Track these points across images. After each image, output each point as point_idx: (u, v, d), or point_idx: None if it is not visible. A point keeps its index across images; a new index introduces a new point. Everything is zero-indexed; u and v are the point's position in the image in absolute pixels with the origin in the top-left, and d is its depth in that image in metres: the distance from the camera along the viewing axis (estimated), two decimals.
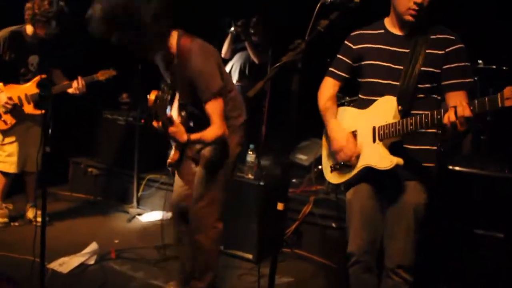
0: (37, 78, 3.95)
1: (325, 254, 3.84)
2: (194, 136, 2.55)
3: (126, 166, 4.96)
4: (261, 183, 3.66)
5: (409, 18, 2.21)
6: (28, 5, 3.78)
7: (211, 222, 2.79)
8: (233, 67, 5.31)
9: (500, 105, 1.82)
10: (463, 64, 2.22)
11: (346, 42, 2.47)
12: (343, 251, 3.63)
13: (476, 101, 1.90)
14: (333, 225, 3.81)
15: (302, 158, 5.48)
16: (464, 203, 3.42)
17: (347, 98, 4.23)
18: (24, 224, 4.19)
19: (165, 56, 2.67)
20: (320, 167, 4.89)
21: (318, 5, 1.93)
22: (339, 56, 2.50)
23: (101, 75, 4.04)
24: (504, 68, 4.09)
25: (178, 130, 2.48)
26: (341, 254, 3.68)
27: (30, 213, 4.25)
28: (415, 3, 2.16)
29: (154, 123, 2.48)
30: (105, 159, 5.24)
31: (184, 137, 2.50)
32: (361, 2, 2.07)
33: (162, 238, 3.72)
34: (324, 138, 2.62)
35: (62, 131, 4.97)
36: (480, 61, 4.12)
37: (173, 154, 2.83)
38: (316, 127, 4.45)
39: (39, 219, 4.06)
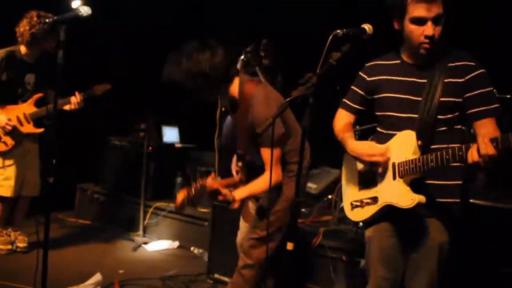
0: (35, 97, 3.96)
1: None
2: (240, 195, 2.58)
3: (133, 194, 4.92)
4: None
5: (423, 51, 2.14)
6: (17, 27, 3.80)
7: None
8: None
9: None
10: (485, 90, 2.12)
11: (360, 73, 2.39)
12: (355, 285, 3.55)
13: (499, 137, 1.80)
14: (344, 258, 3.70)
15: (312, 186, 5.39)
16: (482, 238, 3.32)
17: (357, 127, 4.16)
18: (28, 251, 4.11)
19: (230, 102, 2.72)
20: (330, 196, 4.82)
21: (330, 37, 1.87)
22: (353, 87, 2.42)
23: (97, 90, 3.98)
24: None
25: (226, 195, 2.56)
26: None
27: (13, 237, 4.16)
28: (426, 36, 2.08)
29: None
30: (112, 186, 5.21)
31: (234, 205, 2.57)
32: (374, 33, 2.03)
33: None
34: (343, 172, 2.52)
35: (69, 157, 5.01)
36: (494, 90, 4.03)
37: None
38: (326, 156, 4.42)
39: (19, 244, 4.11)
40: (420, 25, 2.07)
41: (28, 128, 3.95)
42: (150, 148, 4.84)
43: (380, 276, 2.29)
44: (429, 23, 2.06)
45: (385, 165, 2.19)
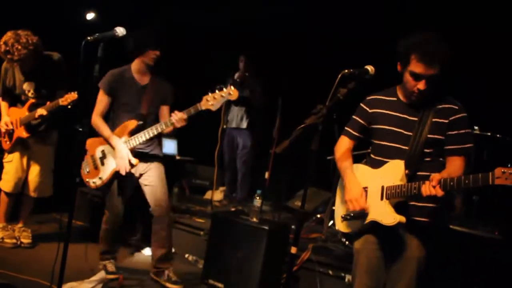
0: (29, 103, 4.18)
1: None
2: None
3: (132, 200, 5.13)
4: (265, 227, 3.84)
5: (413, 99, 2.51)
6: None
7: None
8: (238, 116, 5.59)
9: (490, 183, 2.10)
10: (463, 131, 2.51)
11: (362, 105, 2.76)
12: None
13: (471, 177, 2.18)
14: (330, 272, 3.97)
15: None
16: (455, 260, 3.63)
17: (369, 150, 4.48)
18: (32, 246, 4.35)
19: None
20: (319, 215, 5.12)
21: (339, 76, 2.22)
22: (354, 117, 2.78)
23: (64, 100, 3.95)
24: (497, 135, 4.38)
25: None
26: None
27: (17, 232, 4.38)
28: (418, 89, 2.44)
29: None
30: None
31: None
32: (375, 74, 2.38)
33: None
34: (338, 189, 2.87)
35: (70, 159, 5.22)
36: (476, 127, 4.40)
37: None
38: (317, 177, 4.72)
39: (23, 240, 4.32)
40: (416, 80, 2.43)
41: (19, 131, 4.21)
42: None
43: (364, 284, 2.60)
44: (424, 81, 2.41)
45: (355, 211, 2.60)
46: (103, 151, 3.82)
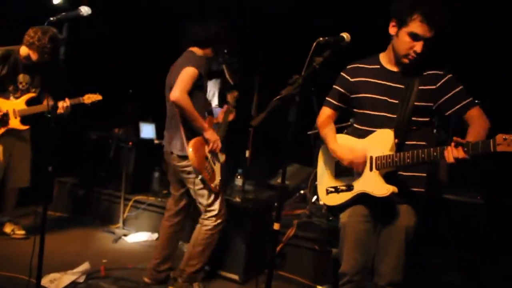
0: (27, 96, 4.14)
1: (307, 276, 3.97)
2: None
3: (112, 187, 5.05)
4: (249, 206, 3.79)
5: (406, 61, 2.41)
6: (31, 31, 3.97)
7: None
8: (210, 92, 5.48)
9: (492, 150, 2.00)
10: (458, 89, 2.41)
11: (342, 74, 2.65)
12: (326, 272, 3.82)
13: (470, 144, 2.08)
14: (316, 247, 3.95)
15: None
16: (442, 226, 3.64)
17: (351, 120, 4.41)
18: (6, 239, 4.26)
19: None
20: (302, 191, 5.09)
21: (314, 44, 2.13)
22: (335, 87, 2.68)
23: (87, 99, 4.21)
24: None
25: None
26: (324, 275, 3.85)
27: (7, 228, 4.34)
28: (414, 51, 2.36)
29: None
30: (91, 180, 5.31)
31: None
32: (351, 41, 2.30)
33: None
34: (320, 162, 2.78)
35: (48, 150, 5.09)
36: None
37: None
38: (298, 153, 4.68)
39: (17, 232, 4.30)
40: (414, 40, 2.34)
41: (15, 123, 4.12)
42: (130, 143, 4.99)
43: (353, 258, 2.54)
44: (422, 42, 2.33)
45: (362, 167, 2.47)
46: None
